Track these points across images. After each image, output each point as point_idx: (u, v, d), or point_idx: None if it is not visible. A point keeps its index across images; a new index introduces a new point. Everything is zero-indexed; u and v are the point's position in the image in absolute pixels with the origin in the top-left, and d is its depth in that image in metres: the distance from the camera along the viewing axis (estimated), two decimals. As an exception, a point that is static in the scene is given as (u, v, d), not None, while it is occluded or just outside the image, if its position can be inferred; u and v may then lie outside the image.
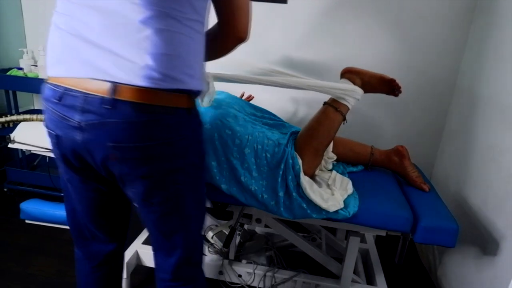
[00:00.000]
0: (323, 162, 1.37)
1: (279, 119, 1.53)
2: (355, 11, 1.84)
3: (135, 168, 0.81)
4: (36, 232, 1.86)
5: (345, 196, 1.22)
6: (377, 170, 1.50)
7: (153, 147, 0.79)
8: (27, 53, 2.17)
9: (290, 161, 1.21)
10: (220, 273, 1.50)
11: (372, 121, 1.99)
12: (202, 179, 0.95)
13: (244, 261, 1.53)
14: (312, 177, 1.30)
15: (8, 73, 2.02)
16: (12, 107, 2.11)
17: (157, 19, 0.73)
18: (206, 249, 1.54)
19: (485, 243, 1.33)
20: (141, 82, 0.74)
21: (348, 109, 1.28)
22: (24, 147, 1.46)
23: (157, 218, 0.90)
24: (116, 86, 0.73)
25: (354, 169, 1.47)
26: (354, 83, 1.28)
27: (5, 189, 2.21)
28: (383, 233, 1.30)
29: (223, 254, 1.51)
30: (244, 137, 1.23)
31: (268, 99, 1.80)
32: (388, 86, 1.28)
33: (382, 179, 1.43)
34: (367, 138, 1.69)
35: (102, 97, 0.74)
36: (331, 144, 1.42)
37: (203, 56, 0.85)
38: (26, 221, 1.50)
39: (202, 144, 0.92)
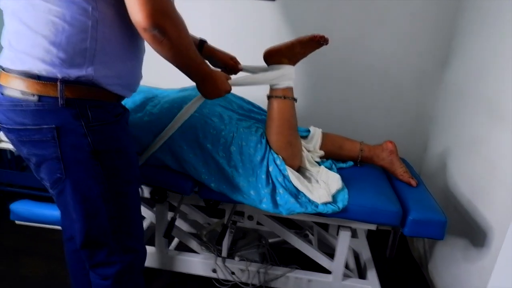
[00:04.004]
0: (310, 154, 1.38)
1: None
2: (345, 8, 1.85)
3: None
4: (25, 233, 1.84)
5: (334, 191, 1.23)
6: (367, 165, 1.52)
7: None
8: None
9: (271, 156, 1.23)
10: (213, 270, 1.51)
11: (361, 117, 2.01)
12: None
13: (237, 259, 1.53)
14: (301, 172, 1.31)
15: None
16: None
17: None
18: (199, 247, 1.54)
19: (473, 235, 1.36)
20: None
21: (291, 89, 1.29)
22: (8, 146, 1.45)
23: None
24: None
25: (344, 165, 1.49)
26: (282, 63, 1.28)
27: (-6, 191, 2.18)
28: (373, 227, 1.32)
29: (216, 251, 1.51)
30: (229, 135, 1.24)
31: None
32: (312, 44, 1.27)
33: (372, 174, 1.44)
34: (356, 134, 1.71)
35: None
36: (319, 138, 1.43)
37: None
38: (16, 222, 1.48)
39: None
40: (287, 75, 1.27)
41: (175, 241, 1.74)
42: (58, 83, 0.81)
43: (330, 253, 1.52)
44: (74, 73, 0.82)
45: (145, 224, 1.77)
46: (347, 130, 1.87)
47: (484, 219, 1.31)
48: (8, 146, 1.51)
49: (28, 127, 0.84)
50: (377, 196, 1.26)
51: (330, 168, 1.38)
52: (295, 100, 1.30)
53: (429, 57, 1.87)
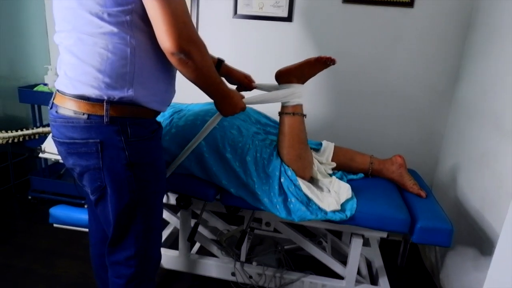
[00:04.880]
0: (322, 166, 1.48)
1: None
2: (360, 28, 1.97)
3: None
4: (60, 236, 1.99)
5: (343, 200, 1.32)
6: (378, 178, 1.60)
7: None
8: (51, 69, 2.33)
9: (283, 168, 1.33)
10: (232, 274, 1.60)
11: (376, 131, 2.10)
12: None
13: (254, 263, 1.62)
14: (314, 182, 1.41)
15: (34, 89, 2.18)
16: (36, 120, 2.26)
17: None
18: (219, 252, 1.64)
19: (483, 245, 1.41)
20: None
21: (301, 106, 1.39)
22: (53, 157, 1.59)
23: None
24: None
25: (355, 176, 1.57)
26: (292, 83, 1.38)
27: (29, 197, 2.35)
28: (384, 234, 1.39)
29: (235, 256, 1.61)
30: (245, 146, 1.36)
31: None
32: (319, 65, 1.37)
33: (382, 185, 1.52)
34: (370, 148, 1.81)
35: None
36: (332, 151, 1.53)
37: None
38: (54, 225, 1.62)
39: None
40: (296, 93, 1.37)
41: (197, 246, 1.85)
42: (104, 104, 0.94)
43: (343, 260, 1.59)
44: (117, 94, 0.95)
45: (169, 229, 1.89)
46: (363, 144, 1.98)
47: (493, 230, 1.36)
48: (46, 156, 1.65)
49: (77, 141, 0.97)
50: (386, 205, 1.34)
51: (340, 179, 1.47)
52: (304, 116, 1.40)
53: (441, 75, 1.96)
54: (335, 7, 1.96)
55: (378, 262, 1.72)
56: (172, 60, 0.94)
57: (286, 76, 1.39)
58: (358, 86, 2.05)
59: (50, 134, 1.10)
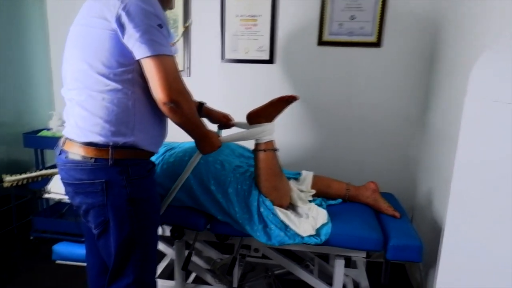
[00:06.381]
0: (302, 194, 1.61)
1: None
2: (334, 65, 2.18)
3: None
4: (61, 273, 2.07)
5: (319, 225, 1.46)
6: (355, 202, 1.73)
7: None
8: (55, 115, 2.50)
9: (261, 199, 1.48)
10: (225, 300, 1.69)
11: (355, 160, 2.26)
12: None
13: (246, 289, 1.72)
14: (295, 209, 1.54)
15: (38, 134, 2.34)
16: (39, 163, 2.41)
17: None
18: (212, 280, 1.74)
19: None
20: None
21: (272, 141, 1.54)
22: (58, 197, 1.73)
23: None
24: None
25: (334, 202, 1.71)
26: (261, 123, 1.53)
27: (31, 237, 2.45)
28: (363, 254, 1.50)
29: (227, 283, 1.70)
30: (227, 179, 1.51)
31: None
32: (282, 104, 1.52)
33: (359, 209, 1.66)
34: (349, 176, 1.96)
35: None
36: (311, 180, 1.67)
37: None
38: (57, 262, 1.72)
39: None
40: (267, 131, 1.53)
41: (192, 275, 1.94)
42: (110, 149, 1.11)
43: (330, 282, 1.69)
44: (121, 140, 1.12)
45: (166, 262, 1.99)
46: (344, 172, 2.13)
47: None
48: (51, 196, 1.79)
49: (84, 181, 1.12)
50: (361, 226, 1.47)
51: (320, 205, 1.61)
52: (276, 150, 1.55)
53: (411, 106, 2.15)
54: (311, 49, 2.18)
55: (364, 283, 1.82)
56: (164, 108, 1.11)
57: (255, 118, 1.55)
58: (336, 119, 2.24)
59: (56, 176, 1.25)
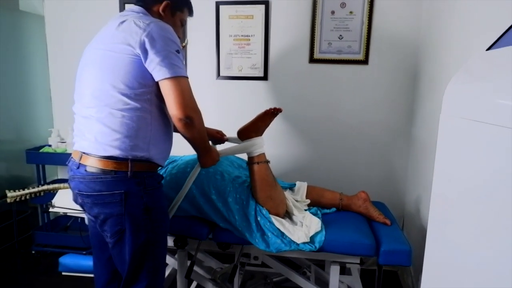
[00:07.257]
0: (298, 204, 1.71)
1: None
2: (325, 81, 2.30)
3: None
4: (63, 286, 2.12)
5: (313, 232, 1.55)
6: (348, 211, 1.83)
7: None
8: (54, 132, 2.57)
9: (258, 208, 1.58)
10: (227, 308, 1.76)
11: (346, 171, 2.37)
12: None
13: (246, 297, 1.80)
14: (290, 217, 1.64)
15: (40, 151, 2.41)
16: (41, 178, 2.47)
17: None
18: (213, 288, 1.81)
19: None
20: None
21: (263, 154, 1.64)
22: (62, 211, 1.79)
23: None
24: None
25: (328, 211, 1.81)
26: (251, 137, 1.64)
27: (33, 252, 2.49)
28: (357, 259, 1.60)
29: (228, 291, 1.78)
30: (226, 189, 1.60)
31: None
32: (269, 117, 1.63)
33: (352, 217, 1.76)
34: (342, 185, 2.06)
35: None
36: (305, 190, 1.78)
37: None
38: (63, 273, 1.78)
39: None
40: (258, 144, 1.64)
41: (194, 284, 2.01)
42: (129, 162, 1.20)
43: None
44: (139, 154, 1.22)
45: (167, 271, 2.05)
46: (336, 182, 2.24)
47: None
48: (55, 210, 1.85)
49: (104, 193, 1.20)
50: (354, 233, 1.56)
51: (315, 214, 1.70)
52: (268, 162, 1.65)
53: (397, 118, 2.28)
54: (303, 66, 2.30)
55: (358, 288, 1.91)
56: (179, 124, 1.21)
57: (245, 133, 1.66)
58: (328, 132, 2.35)
59: (61, 190, 1.32)
